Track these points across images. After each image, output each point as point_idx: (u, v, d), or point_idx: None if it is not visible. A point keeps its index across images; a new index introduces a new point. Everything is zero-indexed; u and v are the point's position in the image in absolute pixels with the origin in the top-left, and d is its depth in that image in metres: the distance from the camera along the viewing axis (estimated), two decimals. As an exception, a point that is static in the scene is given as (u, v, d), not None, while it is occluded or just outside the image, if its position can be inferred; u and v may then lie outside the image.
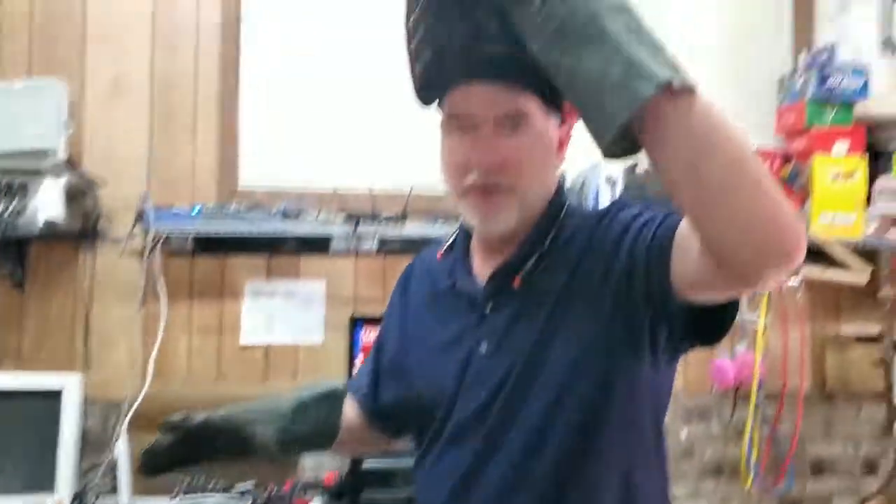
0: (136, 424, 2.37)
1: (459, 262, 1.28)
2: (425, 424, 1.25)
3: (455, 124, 1.14)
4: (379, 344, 1.43)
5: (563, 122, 1.19)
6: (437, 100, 1.18)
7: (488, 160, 1.11)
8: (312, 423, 1.31)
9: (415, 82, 1.17)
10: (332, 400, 1.36)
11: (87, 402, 2.50)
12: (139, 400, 2.40)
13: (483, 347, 1.17)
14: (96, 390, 2.54)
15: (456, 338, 1.22)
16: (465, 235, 1.29)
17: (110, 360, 2.58)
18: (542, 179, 1.18)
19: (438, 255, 1.34)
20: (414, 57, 1.14)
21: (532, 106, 1.12)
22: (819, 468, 2.93)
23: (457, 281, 1.26)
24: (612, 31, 0.80)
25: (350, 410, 1.40)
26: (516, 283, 1.17)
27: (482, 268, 1.24)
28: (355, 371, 2.64)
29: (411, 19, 1.08)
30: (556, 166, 1.21)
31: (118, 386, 2.51)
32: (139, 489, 2.34)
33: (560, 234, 1.18)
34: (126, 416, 2.39)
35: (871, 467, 2.95)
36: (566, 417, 1.10)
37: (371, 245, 2.56)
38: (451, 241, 1.34)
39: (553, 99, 1.15)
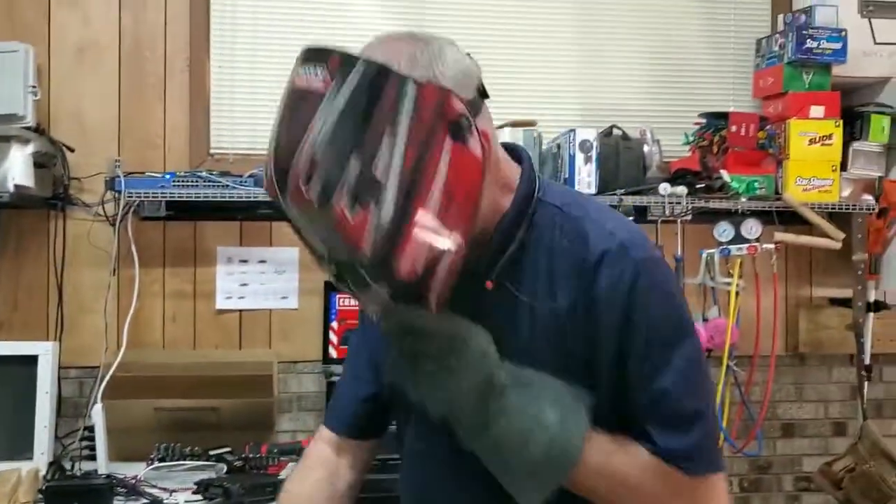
0: (112, 391, 2.37)
1: None
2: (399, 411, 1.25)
3: None
4: (356, 350, 1.38)
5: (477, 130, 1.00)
6: None
7: None
8: None
9: None
10: None
11: (63, 369, 2.50)
12: (114, 367, 2.40)
13: None
14: (71, 357, 2.55)
15: None
16: None
17: (85, 326, 2.58)
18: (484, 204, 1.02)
19: None
20: None
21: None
22: (789, 430, 2.98)
23: None
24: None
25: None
26: (489, 285, 1.08)
27: None
28: (331, 337, 2.67)
29: None
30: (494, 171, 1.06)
31: (93, 353, 2.52)
32: (116, 455, 2.35)
33: (532, 229, 1.09)
34: (102, 382, 2.38)
35: (840, 429, 3.00)
36: None
37: (345, 210, 2.53)
38: None
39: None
